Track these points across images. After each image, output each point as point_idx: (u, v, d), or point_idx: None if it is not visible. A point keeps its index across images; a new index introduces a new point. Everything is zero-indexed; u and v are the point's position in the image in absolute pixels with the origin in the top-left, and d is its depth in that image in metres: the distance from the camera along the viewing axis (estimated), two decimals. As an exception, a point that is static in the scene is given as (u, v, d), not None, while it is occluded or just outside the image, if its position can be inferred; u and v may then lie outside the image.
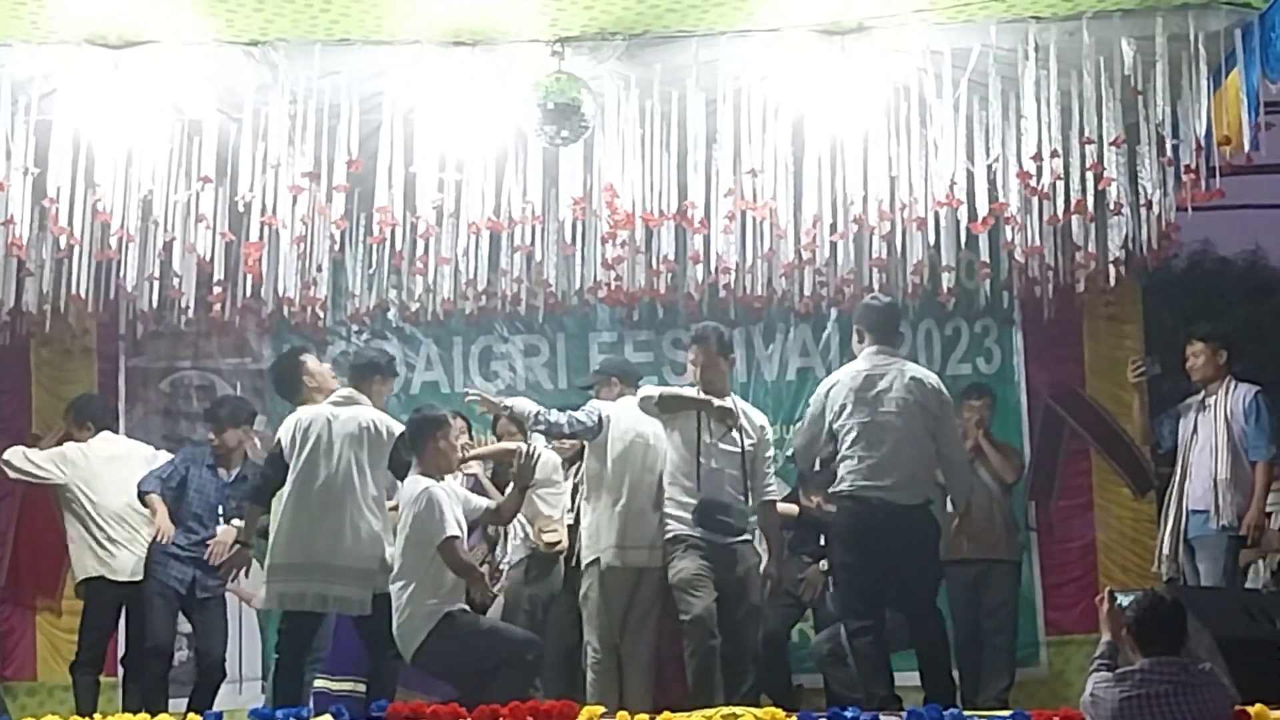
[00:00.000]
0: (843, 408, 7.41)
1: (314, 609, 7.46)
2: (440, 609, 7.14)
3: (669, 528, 7.49)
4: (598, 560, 7.56)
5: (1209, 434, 8.02)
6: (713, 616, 7.30)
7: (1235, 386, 8.08)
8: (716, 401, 7.53)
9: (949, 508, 7.76)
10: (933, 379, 7.59)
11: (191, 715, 6.87)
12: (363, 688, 7.77)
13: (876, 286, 8.98)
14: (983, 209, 7.81)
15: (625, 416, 7.72)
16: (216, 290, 8.44)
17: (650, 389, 7.80)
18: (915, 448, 7.37)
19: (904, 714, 6.40)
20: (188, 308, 8.65)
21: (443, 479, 7.42)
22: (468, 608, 7.34)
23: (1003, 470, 8.85)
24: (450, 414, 7.96)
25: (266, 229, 7.91)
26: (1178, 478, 8.17)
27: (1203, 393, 8.17)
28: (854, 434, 7.36)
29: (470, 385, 8.82)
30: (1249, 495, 7.88)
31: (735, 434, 7.55)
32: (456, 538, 7.20)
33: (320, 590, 7.33)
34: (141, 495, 8.29)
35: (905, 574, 7.33)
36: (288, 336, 9.70)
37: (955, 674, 7.57)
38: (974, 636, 8.60)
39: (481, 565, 7.84)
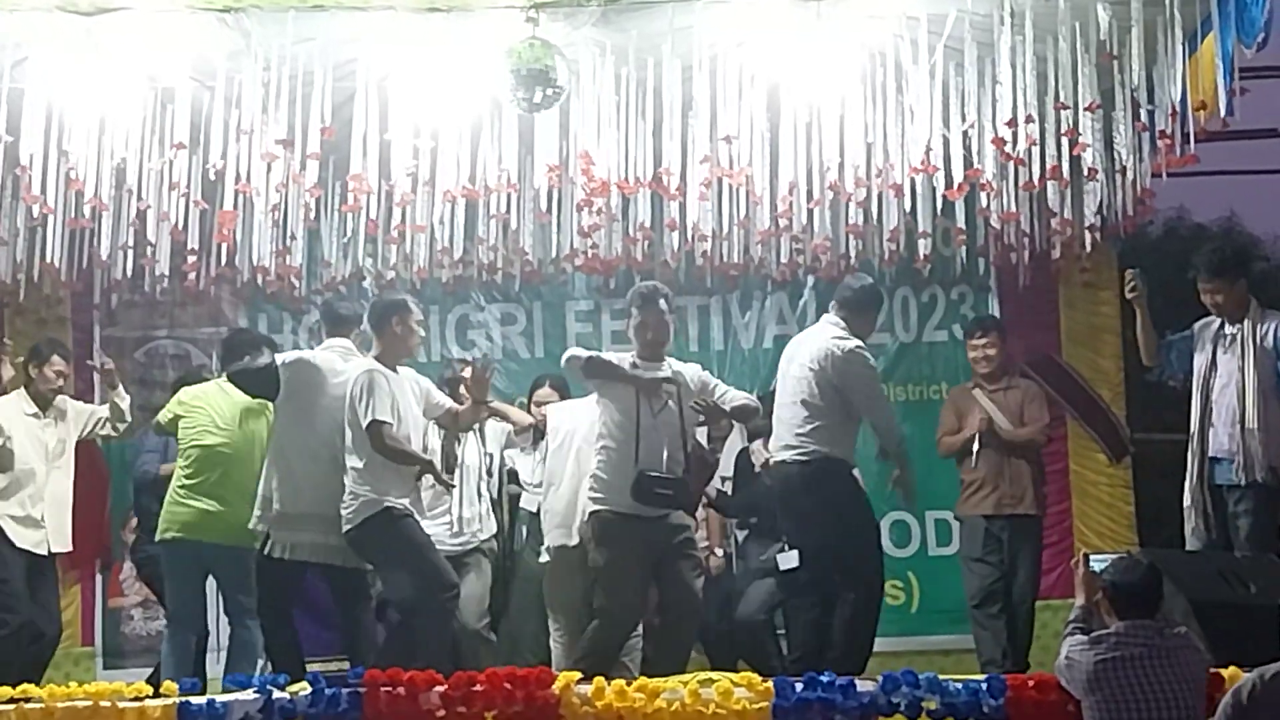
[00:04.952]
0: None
1: (310, 559, 7.42)
2: (380, 501, 7.16)
3: (595, 498, 7.23)
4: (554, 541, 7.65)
5: (1232, 371, 7.29)
6: (624, 610, 7.13)
7: (1264, 317, 7.34)
8: (648, 375, 7.23)
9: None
10: (832, 346, 7.37)
11: (168, 683, 6.86)
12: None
13: (853, 254, 9.02)
14: (959, 175, 7.79)
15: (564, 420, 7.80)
16: (191, 259, 8.44)
17: (578, 350, 7.54)
18: (807, 408, 7.35)
19: (880, 679, 6.38)
20: (162, 276, 8.67)
21: (396, 367, 7.43)
22: (411, 511, 7.27)
23: None
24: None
25: (241, 197, 7.89)
26: (1197, 420, 7.41)
27: (1221, 321, 7.43)
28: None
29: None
30: None
31: (673, 404, 7.23)
32: (385, 423, 7.15)
33: (316, 539, 7.33)
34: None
35: (815, 532, 7.34)
36: (263, 305, 9.70)
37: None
38: (996, 596, 8.34)
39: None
